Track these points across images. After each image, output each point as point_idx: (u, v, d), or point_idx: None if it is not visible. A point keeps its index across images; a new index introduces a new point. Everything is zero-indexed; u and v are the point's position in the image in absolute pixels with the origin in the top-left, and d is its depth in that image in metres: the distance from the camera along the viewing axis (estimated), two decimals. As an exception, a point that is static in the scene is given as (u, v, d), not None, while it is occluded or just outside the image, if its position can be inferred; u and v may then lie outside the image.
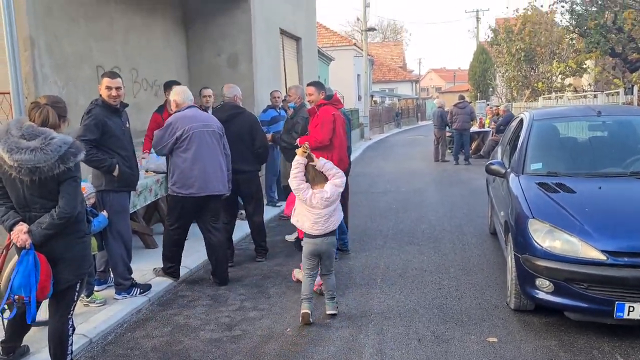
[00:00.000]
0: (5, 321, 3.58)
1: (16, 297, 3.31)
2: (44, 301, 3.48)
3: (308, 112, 6.29)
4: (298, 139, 6.43)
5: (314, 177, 4.64)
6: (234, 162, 5.78)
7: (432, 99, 55.99)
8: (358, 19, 39.55)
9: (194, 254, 6.31)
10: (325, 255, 4.70)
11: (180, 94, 5.48)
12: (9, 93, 5.30)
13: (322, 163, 4.63)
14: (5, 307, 3.46)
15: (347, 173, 6.37)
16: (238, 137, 5.96)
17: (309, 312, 4.60)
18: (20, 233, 3.26)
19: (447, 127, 15.97)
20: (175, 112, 5.45)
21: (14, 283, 3.27)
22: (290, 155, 7.36)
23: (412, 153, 19.47)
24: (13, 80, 5.25)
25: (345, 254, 6.45)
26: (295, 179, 4.61)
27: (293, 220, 4.77)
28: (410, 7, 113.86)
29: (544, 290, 4.18)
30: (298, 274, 5.63)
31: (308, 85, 6.25)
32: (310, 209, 4.60)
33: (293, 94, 7.32)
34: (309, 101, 6.21)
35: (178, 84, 7.02)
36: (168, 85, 6.93)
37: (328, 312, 4.70)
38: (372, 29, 32.41)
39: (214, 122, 5.55)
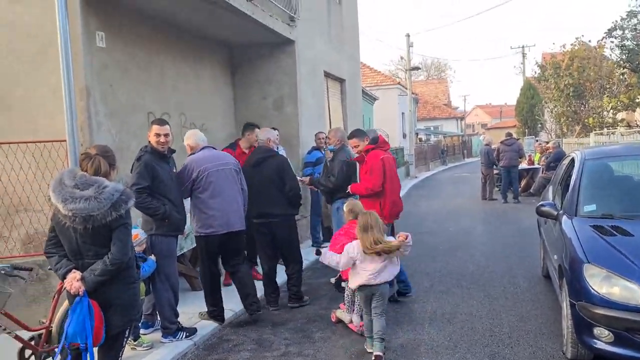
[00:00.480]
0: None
1: (71, 344, 3.34)
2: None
3: (357, 160, 6.26)
4: (350, 187, 6.38)
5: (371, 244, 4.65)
6: (266, 205, 5.90)
7: (478, 135, 55.36)
8: (402, 58, 39.82)
9: (238, 297, 6.30)
10: (378, 293, 4.72)
11: (191, 137, 5.62)
12: (65, 141, 5.56)
13: (410, 241, 4.67)
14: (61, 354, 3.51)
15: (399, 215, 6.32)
16: (269, 180, 5.97)
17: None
18: (74, 280, 3.32)
19: (495, 165, 15.70)
20: (189, 155, 5.56)
21: (69, 331, 3.30)
22: (329, 198, 7.37)
23: (458, 191, 19.16)
24: (69, 128, 5.51)
25: (407, 297, 6.23)
26: (338, 265, 4.84)
27: (351, 284, 4.92)
28: (454, 44, 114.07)
29: (603, 340, 3.95)
30: (340, 314, 5.57)
31: (349, 138, 6.24)
32: (359, 266, 4.69)
33: (332, 137, 7.34)
34: (356, 152, 6.19)
35: (257, 126, 7.23)
36: (247, 127, 7.27)
37: (375, 353, 4.61)
38: (416, 68, 32.55)
39: (229, 159, 5.66)
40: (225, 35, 8.75)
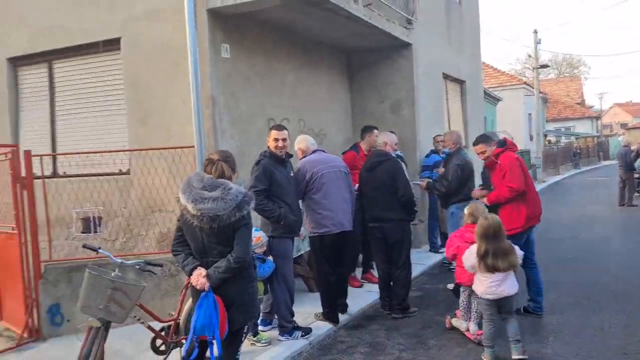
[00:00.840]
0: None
1: (199, 337, 3.56)
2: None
3: (487, 166, 5.97)
4: (486, 199, 5.89)
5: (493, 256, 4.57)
6: (379, 210, 5.90)
7: (616, 136, 50.99)
8: (529, 56, 37.72)
9: (356, 299, 6.37)
10: (504, 303, 4.61)
11: (302, 142, 5.83)
12: (193, 147, 5.99)
13: None
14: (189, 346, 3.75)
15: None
16: (382, 184, 5.92)
17: None
18: (200, 277, 3.53)
19: (634, 169, 14.37)
20: (301, 159, 5.75)
21: (196, 324, 3.49)
22: (444, 202, 7.19)
23: (592, 196, 17.77)
24: (197, 135, 5.95)
25: (537, 316, 5.76)
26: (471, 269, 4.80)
27: (474, 287, 4.83)
28: (589, 39, 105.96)
29: None
30: (456, 322, 5.42)
31: (474, 144, 5.94)
32: (478, 271, 4.64)
33: (447, 140, 7.17)
34: (483, 159, 5.93)
35: (375, 128, 7.37)
36: (365, 129, 7.43)
37: (514, 357, 4.47)
38: (544, 66, 30.72)
39: (338, 162, 5.85)
40: (343, 41, 8.89)
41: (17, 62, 7.64)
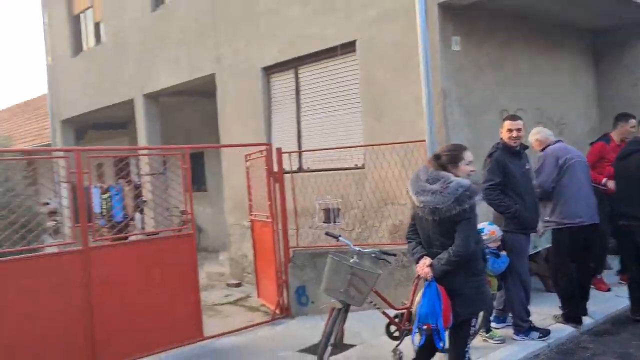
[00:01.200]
0: (416, 348, 4.00)
1: (424, 325, 3.67)
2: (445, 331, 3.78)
3: None
4: None
5: None
6: (627, 205, 5.32)
7: None
8: None
9: (602, 303, 5.82)
10: None
11: (540, 133, 5.64)
12: (424, 141, 6.11)
13: None
14: (417, 333, 3.90)
15: None
16: (632, 177, 5.26)
17: None
18: (424, 266, 3.66)
19: None
20: (541, 150, 5.53)
21: (421, 312, 3.64)
22: None
23: None
24: (428, 129, 6.06)
25: None
26: None
27: None
28: None
29: None
30: None
31: None
32: None
33: None
34: None
35: (632, 116, 6.75)
36: (619, 118, 6.82)
37: None
38: None
39: (581, 154, 5.54)
40: (586, 21, 8.10)
41: (269, 71, 8.65)
